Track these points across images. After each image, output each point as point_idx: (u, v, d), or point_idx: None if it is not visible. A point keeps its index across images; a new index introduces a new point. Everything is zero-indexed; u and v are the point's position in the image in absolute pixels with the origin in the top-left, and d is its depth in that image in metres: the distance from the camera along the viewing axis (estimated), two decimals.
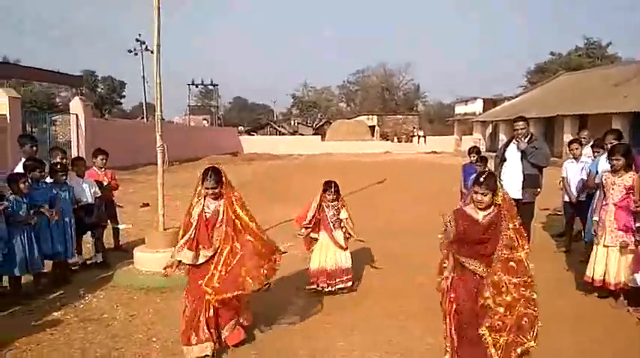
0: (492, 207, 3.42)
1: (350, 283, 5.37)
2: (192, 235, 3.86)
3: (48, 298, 5.14)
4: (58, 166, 5.72)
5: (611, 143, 5.48)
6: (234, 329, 3.96)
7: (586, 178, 6.26)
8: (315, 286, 5.27)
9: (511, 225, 3.37)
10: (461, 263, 3.52)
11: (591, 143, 6.83)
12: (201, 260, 3.86)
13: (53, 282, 5.55)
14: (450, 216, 3.55)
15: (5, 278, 5.12)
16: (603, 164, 5.48)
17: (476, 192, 3.41)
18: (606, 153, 5.39)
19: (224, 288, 3.74)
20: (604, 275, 4.91)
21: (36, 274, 5.38)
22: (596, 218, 5.09)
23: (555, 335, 4.15)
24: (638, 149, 5.23)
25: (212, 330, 3.82)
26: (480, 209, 3.43)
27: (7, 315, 4.68)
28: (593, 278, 5.00)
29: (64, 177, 5.74)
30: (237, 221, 3.90)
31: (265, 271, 3.90)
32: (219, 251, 3.84)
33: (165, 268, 4.01)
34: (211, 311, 3.82)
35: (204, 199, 3.91)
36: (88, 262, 6.39)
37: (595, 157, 6.24)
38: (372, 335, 4.27)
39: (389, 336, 4.24)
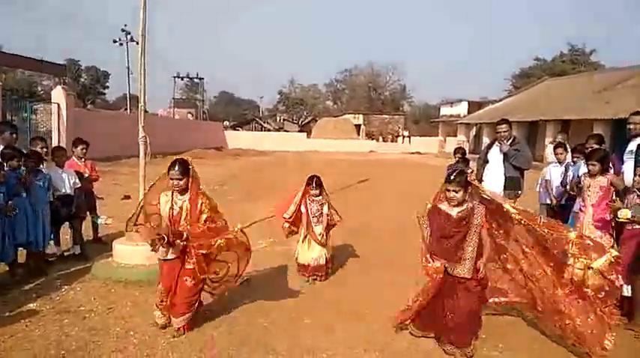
0: (466, 204, 3.67)
1: (322, 279, 5.58)
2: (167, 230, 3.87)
3: (23, 289, 5.05)
4: (31, 153, 5.60)
5: (592, 147, 5.56)
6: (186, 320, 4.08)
7: (567, 181, 6.34)
8: (303, 277, 5.57)
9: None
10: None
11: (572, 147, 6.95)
12: (170, 256, 4.00)
13: (29, 273, 5.44)
14: (424, 214, 3.89)
15: None
16: (584, 168, 5.56)
17: (448, 190, 3.67)
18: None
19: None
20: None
21: (11, 264, 5.28)
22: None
23: (536, 330, 4.21)
24: (618, 155, 5.31)
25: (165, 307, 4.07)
26: (454, 206, 3.68)
27: None
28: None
29: (37, 166, 5.62)
30: (202, 217, 3.96)
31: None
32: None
33: (152, 246, 4.05)
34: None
35: (172, 194, 3.92)
36: (66, 253, 6.29)
37: (575, 162, 6.35)
38: (353, 332, 4.28)
39: (369, 334, 4.25)
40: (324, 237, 5.56)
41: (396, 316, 4.18)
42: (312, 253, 5.51)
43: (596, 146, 5.56)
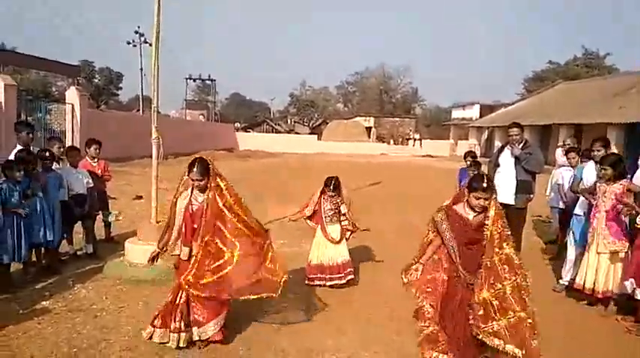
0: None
1: (351, 276, 5.46)
2: (183, 230, 3.82)
3: (37, 287, 5.11)
4: (45, 153, 5.68)
5: (598, 150, 5.54)
6: (218, 329, 3.85)
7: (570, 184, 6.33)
8: (310, 282, 5.42)
9: (498, 227, 3.39)
10: (453, 275, 3.50)
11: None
12: (184, 257, 3.85)
13: (42, 272, 5.52)
14: (441, 213, 3.55)
15: None
16: (589, 171, 5.58)
17: (478, 198, 3.37)
18: (592, 161, 5.60)
19: (204, 288, 3.69)
20: (594, 284, 4.94)
21: (25, 263, 5.35)
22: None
23: (544, 343, 4.17)
24: (633, 159, 5.27)
25: (182, 323, 3.79)
26: (475, 211, 3.43)
27: None
28: (583, 286, 5.03)
29: (51, 165, 5.70)
30: (227, 213, 3.75)
31: (260, 287, 3.78)
32: (203, 245, 3.74)
33: (150, 259, 4.01)
34: (186, 303, 3.80)
35: (192, 191, 3.83)
36: (79, 253, 6.36)
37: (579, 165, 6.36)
38: (361, 334, 4.28)
39: (378, 335, 4.25)
40: (340, 235, 5.49)
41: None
42: (327, 253, 5.44)
43: (601, 149, 5.51)
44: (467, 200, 3.46)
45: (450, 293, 3.52)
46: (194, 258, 3.75)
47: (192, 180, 3.74)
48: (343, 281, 5.42)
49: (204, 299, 3.75)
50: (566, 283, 5.56)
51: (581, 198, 5.60)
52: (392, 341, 4.15)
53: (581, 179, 5.66)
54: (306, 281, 5.47)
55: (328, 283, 5.39)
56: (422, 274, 3.65)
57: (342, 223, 5.56)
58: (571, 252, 5.59)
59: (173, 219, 3.87)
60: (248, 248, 3.81)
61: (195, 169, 3.72)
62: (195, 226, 3.79)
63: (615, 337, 4.37)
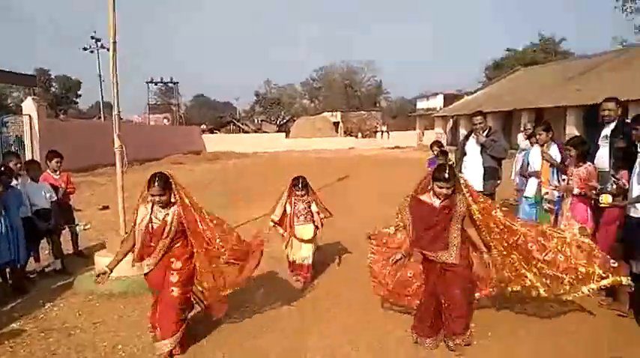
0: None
1: (308, 280, 5.52)
2: (140, 246, 3.73)
3: (5, 309, 4.92)
4: (2, 168, 5.46)
5: (540, 134, 5.85)
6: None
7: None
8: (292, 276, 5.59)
9: (475, 206, 3.87)
10: (425, 256, 3.88)
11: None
12: (145, 270, 3.80)
13: (10, 292, 5.31)
14: (404, 203, 3.98)
15: None
16: (534, 155, 5.93)
17: (440, 187, 3.69)
18: (537, 145, 5.94)
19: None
20: None
21: None
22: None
23: (518, 321, 4.28)
24: (591, 140, 5.45)
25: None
26: (439, 198, 3.75)
27: None
28: None
29: (10, 181, 5.49)
30: (196, 226, 3.80)
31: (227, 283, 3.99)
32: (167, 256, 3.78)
33: (97, 276, 3.86)
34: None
35: (152, 208, 3.73)
36: (47, 269, 6.15)
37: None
38: (347, 333, 4.28)
39: (358, 332, 4.27)
40: (313, 234, 5.55)
41: (411, 328, 4.12)
42: (300, 252, 5.51)
43: (543, 133, 5.81)
44: (431, 188, 3.78)
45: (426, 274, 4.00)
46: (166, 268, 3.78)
47: (153, 195, 3.63)
48: (300, 279, 5.51)
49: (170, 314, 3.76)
50: None
51: (530, 181, 5.91)
52: (372, 336, 4.18)
53: (529, 163, 5.95)
54: (291, 276, 5.62)
55: (297, 278, 5.53)
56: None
57: (315, 222, 5.57)
58: None
59: (133, 238, 3.78)
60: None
61: (155, 185, 3.62)
62: (153, 244, 3.71)
63: (585, 311, 4.50)
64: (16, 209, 5.42)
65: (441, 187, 3.68)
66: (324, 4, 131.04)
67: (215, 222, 3.94)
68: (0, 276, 5.39)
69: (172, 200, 3.74)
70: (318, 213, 5.59)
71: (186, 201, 3.78)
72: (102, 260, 5.60)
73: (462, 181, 3.91)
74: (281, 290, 5.32)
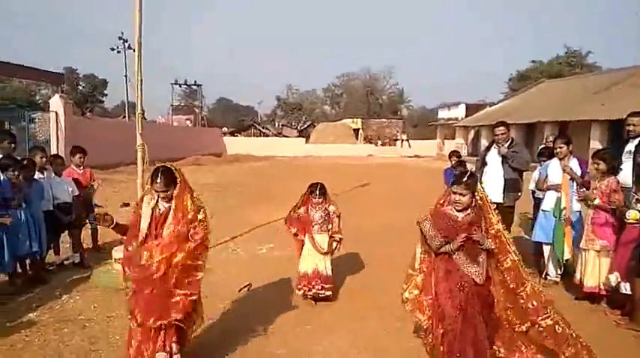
0: (470, 208, 3.40)
1: (328, 293, 5.07)
2: (144, 234, 3.47)
3: (23, 299, 5.03)
4: (25, 162, 5.58)
5: (560, 147, 5.70)
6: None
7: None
8: (299, 291, 5.12)
9: (492, 231, 3.44)
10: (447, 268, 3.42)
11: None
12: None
13: (28, 283, 5.43)
14: (426, 216, 3.52)
15: None
16: (553, 168, 5.77)
17: (454, 192, 3.37)
18: (556, 158, 5.77)
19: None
20: (581, 278, 5.02)
21: (11, 274, 5.27)
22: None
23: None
24: (616, 155, 5.35)
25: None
26: (458, 210, 3.39)
27: None
28: (582, 283, 5.08)
29: (32, 174, 5.62)
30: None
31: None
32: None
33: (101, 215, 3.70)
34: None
35: (158, 197, 3.50)
36: (66, 262, 6.28)
37: (541, 163, 6.46)
38: (351, 336, 4.27)
39: (367, 338, 4.25)
40: (328, 245, 5.15)
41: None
42: (316, 260, 5.10)
43: (563, 146, 5.68)
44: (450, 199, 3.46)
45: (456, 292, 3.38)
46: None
47: (156, 191, 3.44)
48: (319, 293, 5.04)
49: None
50: (556, 279, 5.63)
51: (548, 194, 5.77)
52: (381, 343, 4.15)
53: (547, 176, 5.83)
54: (297, 291, 5.16)
55: (312, 291, 5.03)
56: (421, 291, 3.64)
57: (331, 234, 5.17)
58: (546, 248, 5.76)
59: (136, 224, 3.52)
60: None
61: (158, 180, 3.40)
62: (157, 231, 3.46)
63: (602, 330, 4.40)
64: (39, 201, 5.56)
65: (455, 192, 3.35)
66: (349, 11, 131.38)
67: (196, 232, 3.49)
68: (20, 267, 5.51)
69: (175, 194, 3.47)
70: (335, 214, 5.21)
71: (187, 202, 3.50)
72: (120, 255, 5.70)
73: (479, 195, 3.52)
74: (290, 294, 5.31)
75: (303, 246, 5.22)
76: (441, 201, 3.56)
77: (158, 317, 3.31)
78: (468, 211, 3.39)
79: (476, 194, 3.44)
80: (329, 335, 4.31)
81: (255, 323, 4.48)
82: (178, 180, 3.49)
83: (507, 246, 3.51)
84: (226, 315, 4.72)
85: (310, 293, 5.03)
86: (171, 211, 3.45)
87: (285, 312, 4.80)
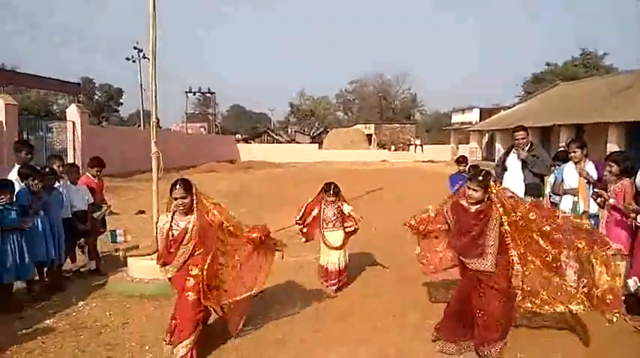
0: (483, 202, 3.76)
1: (343, 284, 5.56)
2: (161, 252, 3.92)
3: (40, 306, 5.09)
4: (46, 170, 5.68)
5: (574, 151, 5.65)
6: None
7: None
8: (324, 283, 5.56)
9: (505, 219, 3.73)
10: (460, 262, 3.94)
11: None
12: (168, 274, 3.94)
13: (46, 289, 5.50)
14: (446, 204, 4.11)
15: None
16: (569, 172, 5.71)
17: (469, 188, 3.75)
18: (571, 162, 5.73)
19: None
20: None
21: (29, 281, 5.34)
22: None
23: (551, 344, 4.12)
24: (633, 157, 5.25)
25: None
26: (471, 203, 3.77)
27: None
28: None
29: (52, 182, 5.70)
30: (218, 231, 3.93)
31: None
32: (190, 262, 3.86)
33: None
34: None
35: (173, 216, 3.85)
36: (82, 270, 6.34)
37: (557, 167, 6.33)
38: (366, 344, 4.23)
39: (382, 344, 4.21)
40: (342, 241, 5.52)
41: (435, 327, 4.17)
42: (330, 258, 5.50)
43: (577, 151, 5.61)
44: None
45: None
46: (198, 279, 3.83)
47: (176, 198, 3.75)
48: (335, 286, 5.48)
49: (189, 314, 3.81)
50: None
51: (564, 199, 5.71)
52: (397, 349, 4.11)
53: (563, 180, 5.75)
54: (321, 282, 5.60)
55: (330, 283, 5.49)
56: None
57: (347, 229, 5.53)
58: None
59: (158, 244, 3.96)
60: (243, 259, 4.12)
61: (177, 187, 3.75)
62: (173, 251, 3.82)
63: (622, 337, 4.30)
64: (58, 209, 5.64)
65: (469, 187, 3.73)
66: (361, 16, 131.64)
67: (232, 229, 4.02)
68: (37, 274, 5.58)
69: (194, 207, 3.82)
70: (351, 216, 5.54)
71: (207, 205, 3.93)
72: (135, 262, 5.76)
73: (495, 191, 3.84)
74: (302, 295, 5.36)
75: (309, 234, 5.66)
76: (461, 195, 3.95)
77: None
78: (480, 205, 3.75)
79: (489, 190, 3.77)
80: (343, 343, 4.27)
81: (268, 330, 4.47)
82: (194, 190, 3.78)
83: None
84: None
85: (327, 284, 5.50)
86: (189, 228, 3.77)
87: (298, 318, 4.79)
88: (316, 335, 4.44)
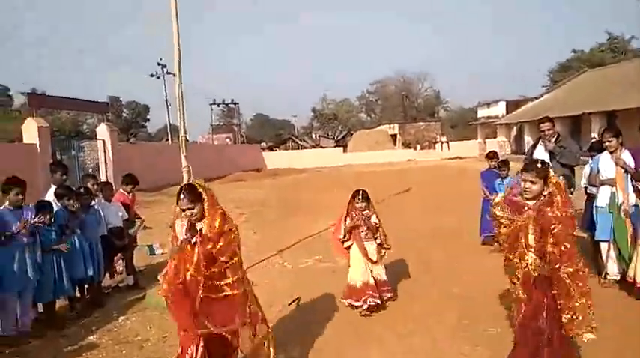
0: (543, 197, 3.19)
1: (388, 295, 5.14)
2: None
3: (83, 322, 5.22)
4: (82, 190, 5.84)
5: (609, 141, 5.37)
6: None
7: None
8: (345, 300, 5.11)
9: (562, 214, 3.11)
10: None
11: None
12: None
13: (87, 306, 5.64)
14: (500, 205, 3.32)
15: (40, 304, 5.21)
16: (604, 162, 5.47)
17: (524, 180, 3.18)
18: (606, 152, 5.45)
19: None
20: (634, 276, 4.78)
21: (70, 299, 5.49)
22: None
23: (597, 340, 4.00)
24: None
25: None
26: (528, 199, 3.21)
27: (43, 341, 4.74)
28: (634, 280, 4.84)
29: (89, 201, 5.85)
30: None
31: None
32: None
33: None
34: None
35: (189, 222, 3.38)
36: (120, 285, 6.49)
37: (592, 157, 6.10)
38: (403, 347, 4.19)
39: (420, 346, 4.16)
40: (377, 254, 5.17)
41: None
42: (364, 270, 5.04)
43: (612, 139, 5.32)
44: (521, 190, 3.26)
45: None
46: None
47: (183, 210, 3.29)
48: (381, 301, 5.00)
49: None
50: (616, 277, 5.36)
51: (602, 190, 5.48)
52: (437, 352, 4.05)
53: (598, 171, 5.54)
54: (346, 304, 5.08)
55: (363, 303, 4.92)
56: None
57: (377, 241, 5.19)
58: (604, 246, 5.45)
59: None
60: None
61: (182, 197, 3.28)
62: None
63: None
64: (96, 227, 5.79)
65: (525, 179, 3.16)
66: (378, 14, 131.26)
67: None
68: (79, 291, 5.74)
69: (205, 213, 3.30)
70: (379, 229, 5.20)
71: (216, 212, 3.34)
72: None
73: (555, 181, 3.27)
74: (339, 305, 5.24)
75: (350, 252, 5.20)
76: (513, 191, 3.37)
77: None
78: (539, 200, 3.18)
79: (548, 181, 3.21)
80: (382, 346, 4.24)
81: (306, 337, 4.47)
82: (204, 196, 3.28)
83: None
84: (276, 329, 4.73)
85: (359, 303, 4.92)
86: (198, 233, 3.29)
87: (335, 324, 4.77)
88: (357, 336, 4.43)
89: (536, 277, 3.18)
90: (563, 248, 3.07)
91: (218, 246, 3.24)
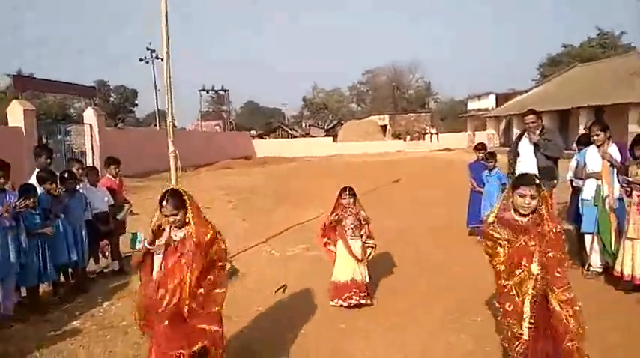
0: (536, 213, 3.09)
1: (366, 301, 4.92)
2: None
3: (66, 307, 5.17)
4: (66, 174, 5.76)
5: (597, 134, 5.42)
6: None
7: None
8: (332, 301, 4.98)
9: (553, 229, 3.06)
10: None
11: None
12: None
13: (71, 291, 5.59)
14: (494, 226, 3.14)
15: (23, 288, 5.15)
16: (591, 155, 5.54)
17: (524, 195, 3.03)
18: (593, 145, 5.51)
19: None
20: (632, 269, 4.83)
21: (54, 284, 5.43)
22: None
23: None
24: None
25: None
26: (523, 214, 3.08)
27: (26, 325, 4.68)
28: (622, 273, 4.90)
29: (74, 186, 5.78)
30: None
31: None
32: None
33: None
34: None
35: (170, 226, 3.25)
36: (105, 270, 6.44)
37: (579, 150, 6.18)
38: (390, 338, 4.22)
39: (408, 337, 4.20)
40: (362, 252, 5.03)
41: None
42: (350, 268, 4.95)
43: (600, 134, 5.37)
44: (513, 202, 3.12)
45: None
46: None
47: (166, 216, 3.18)
48: (363, 302, 4.90)
49: None
50: (599, 269, 5.44)
51: (587, 183, 5.56)
52: (423, 343, 4.09)
53: (585, 164, 5.62)
54: (331, 303, 4.95)
55: (348, 302, 4.85)
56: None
57: (364, 240, 5.08)
58: (588, 238, 5.54)
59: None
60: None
61: (165, 204, 3.16)
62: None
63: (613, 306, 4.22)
64: (81, 212, 5.72)
65: (523, 195, 3.02)
66: (371, 5, 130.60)
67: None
68: (63, 276, 5.68)
69: (189, 220, 3.19)
70: (367, 226, 5.10)
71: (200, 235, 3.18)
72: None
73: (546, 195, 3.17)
74: (322, 298, 5.22)
75: (335, 254, 5.10)
76: (501, 208, 3.20)
77: (179, 346, 3.11)
78: (532, 216, 3.09)
79: (541, 196, 3.10)
80: (367, 336, 4.27)
81: (292, 325, 4.48)
82: (187, 203, 3.18)
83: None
84: (262, 316, 4.74)
85: (346, 303, 4.84)
86: (182, 239, 3.19)
87: (321, 312, 4.79)
88: (339, 327, 4.45)
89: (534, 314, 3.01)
90: (556, 273, 3.00)
91: (214, 249, 3.19)
